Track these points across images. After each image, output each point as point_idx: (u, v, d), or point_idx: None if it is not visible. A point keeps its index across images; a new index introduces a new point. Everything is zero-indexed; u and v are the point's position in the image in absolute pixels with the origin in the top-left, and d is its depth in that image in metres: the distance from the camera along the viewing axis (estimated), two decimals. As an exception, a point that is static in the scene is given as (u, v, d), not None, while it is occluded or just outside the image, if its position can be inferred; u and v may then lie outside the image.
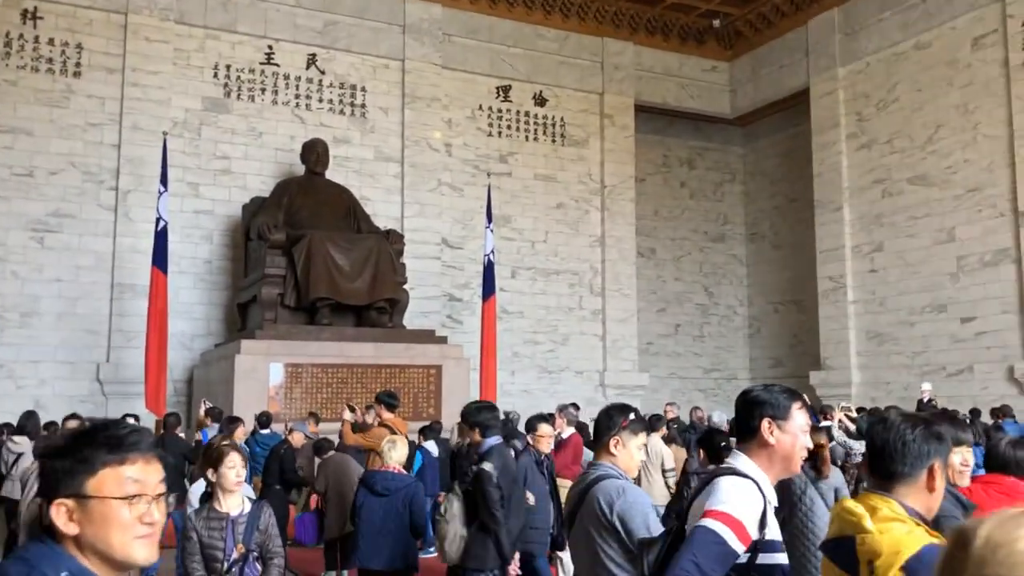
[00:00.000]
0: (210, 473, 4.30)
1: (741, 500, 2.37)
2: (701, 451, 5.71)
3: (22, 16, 13.82)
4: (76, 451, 1.60)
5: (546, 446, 6.69)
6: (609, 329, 17.90)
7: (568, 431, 8.52)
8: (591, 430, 10.35)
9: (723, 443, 5.42)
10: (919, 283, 15.40)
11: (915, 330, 15.42)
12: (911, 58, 15.75)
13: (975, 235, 14.56)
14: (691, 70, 19.44)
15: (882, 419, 2.33)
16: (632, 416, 3.38)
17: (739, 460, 2.52)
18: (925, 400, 12.64)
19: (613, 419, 3.37)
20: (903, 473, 2.20)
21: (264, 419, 10.16)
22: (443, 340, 13.54)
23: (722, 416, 9.17)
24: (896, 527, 2.09)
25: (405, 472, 6.14)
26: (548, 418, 7.08)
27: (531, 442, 6.68)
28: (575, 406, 10.56)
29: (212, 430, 9.12)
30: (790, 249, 19.74)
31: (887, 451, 2.23)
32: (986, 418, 11.38)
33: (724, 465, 2.57)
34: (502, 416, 6.89)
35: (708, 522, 2.34)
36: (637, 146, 18.75)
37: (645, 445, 3.62)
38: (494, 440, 5.39)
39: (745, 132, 21.09)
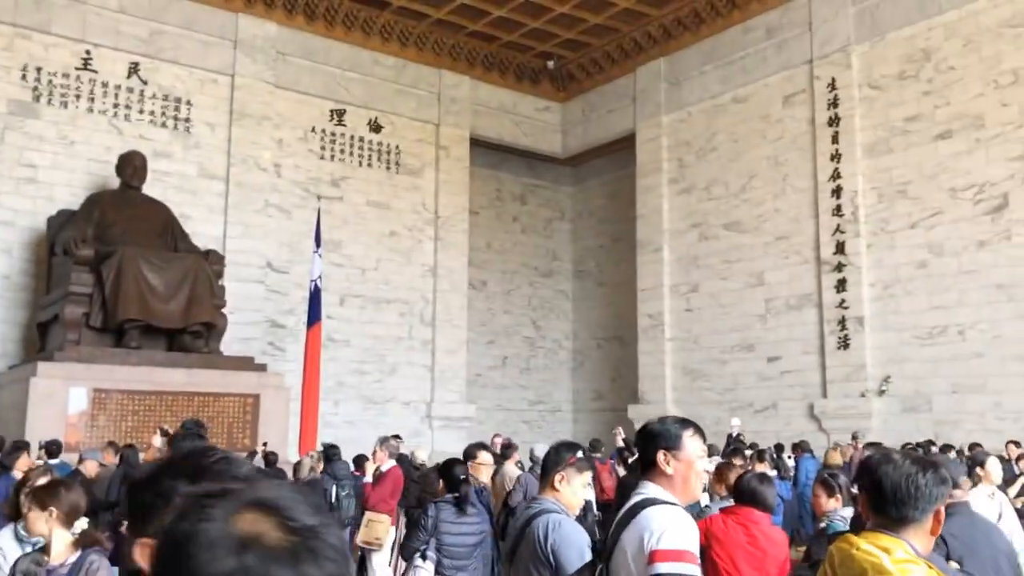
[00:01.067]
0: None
1: (682, 529, 2.45)
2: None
3: None
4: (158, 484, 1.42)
5: (485, 475, 6.21)
6: (438, 360, 17.83)
7: (388, 463, 8.28)
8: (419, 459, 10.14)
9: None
10: (730, 323, 16.23)
11: (726, 368, 16.21)
12: (729, 110, 16.71)
13: (782, 280, 15.51)
14: (525, 108, 19.85)
15: (888, 459, 2.33)
16: (579, 454, 3.46)
17: (650, 489, 2.60)
18: (734, 435, 13.25)
19: (560, 455, 3.45)
20: (913, 518, 2.23)
21: (54, 447, 9.32)
22: (262, 368, 13.05)
23: (544, 449, 9.23)
24: (915, 570, 2.12)
25: None
26: (486, 446, 6.64)
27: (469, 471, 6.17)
28: (397, 437, 10.39)
29: None
30: (614, 287, 20.39)
31: (898, 495, 2.23)
32: (789, 452, 12.06)
33: (640, 496, 2.60)
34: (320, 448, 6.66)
35: (667, 567, 2.36)
36: (472, 179, 18.91)
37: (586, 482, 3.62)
38: None
39: (575, 172, 21.72)
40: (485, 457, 6.24)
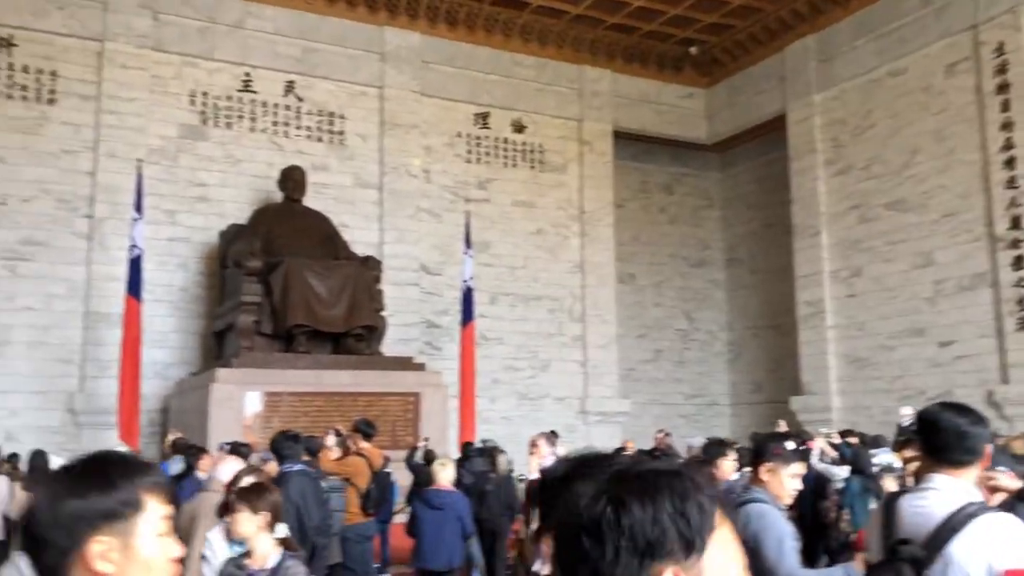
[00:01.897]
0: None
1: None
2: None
3: (-4, 43, 13.73)
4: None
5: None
6: (589, 355, 17.84)
7: (551, 459, 8.14)
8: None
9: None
10: (897, 307, 15.45)
11: (894, 354, 15.45)
12: (886, 84, 15.91)
13: (952, 259, 14.64)
14: (668, 97, 19.56)
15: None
16: (786, 445, 3.58)
17: (948, 484, 2.64)
18: (905, 424, 12.61)
19: (766, 447, 3.58)
20: None
21: (244, 450, 9.69)
22: (421, 367, 13.43)
23: (701, 443, 9.07)
24: None
25: (454, 489, 7.30)
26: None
27: None
28: (554, 434, 10.47)
29: (175, 462, 8.93)
30: (768, 274, 19.79)
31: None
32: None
33: (970, 504, 2.61)
34: (479, 444, 6.80)
35: None
36: (616, 172, 18.80)
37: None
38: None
39: (722, 158, 21.21)
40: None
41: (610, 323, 18.18)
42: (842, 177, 16.62)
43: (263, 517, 3.61)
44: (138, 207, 12.75)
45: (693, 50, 18.94)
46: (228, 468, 5.29)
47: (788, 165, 17.70)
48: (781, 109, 17.86)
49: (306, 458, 7.21)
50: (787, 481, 3.50)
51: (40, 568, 1.47)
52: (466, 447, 10.54)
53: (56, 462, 8.82)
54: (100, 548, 1.46)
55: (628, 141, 19.52)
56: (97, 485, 1.49)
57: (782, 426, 12.17)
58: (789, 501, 3.58)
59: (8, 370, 13.23)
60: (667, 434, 12.32)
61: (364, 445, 7.81)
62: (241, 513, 3.63)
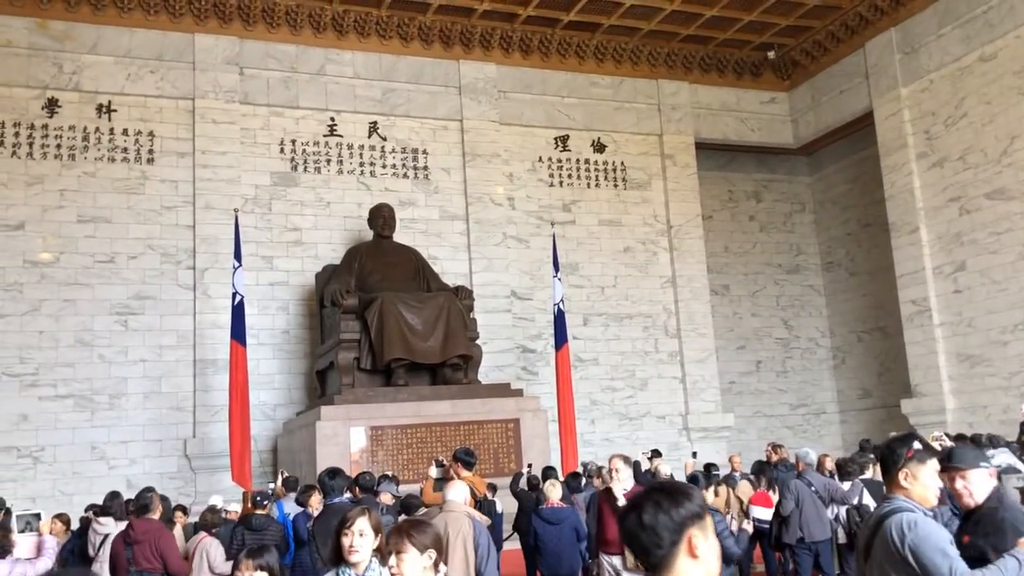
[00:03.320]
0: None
1: None
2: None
3: (98, 110, 14.50)
4: None
5: None
6: (688, 370, 17.61)
7: (632, 483, 7.10)
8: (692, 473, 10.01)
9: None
10: (1008, 300, 14.80)
11: (1008, 349, 14.77)
12: (976, 71, 15.36)
13: (1063, 246, 13.96)
14: (749, 103, 19.30)
15: None
16: (916, 445, 3.37)
17: None
18: (1028, 421, 12.02)
19: (896, 452, 3.36)
20: None
21: (366, 480, 9.44)
22: (519, 393, 13.48)
23: (814, 454, 8.83)
24: None
25: (565, 504, 8.15)
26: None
27: None
28: (656, 453, 10.39)
29: (288, 501, 9.15)
30: (868, 275, 19.24)
31: None
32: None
33: None
34: (580, 468, 6.76)
35: None
36: (701, 183, 18.61)
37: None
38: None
39: (810, 160, 20.77)
40: None
41: (707, 336, 17.93)
42: (937, 170, 16.07)
43: (432, 557, 3.28)
44: (237, 255, 13.22)
45: (771, 54, 18.67)
46: (458, 491, 5.81)
47: (879, 162, 17.21)
48: (868, 106, 17.40)
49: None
50: (929, 481, 3.31)
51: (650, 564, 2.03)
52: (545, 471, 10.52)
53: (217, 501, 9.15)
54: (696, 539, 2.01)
55: (711, 151, 19.31)
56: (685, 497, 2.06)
57: (894, 434, 11.72)
58: (935, 502, 3.38)
59: (126, 420, 13.85)
60: (779, 446, 11.98)
61: (466, 475, 7.86)
62: (407, 553, 3.26)
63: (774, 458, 10.95)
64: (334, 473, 6.96)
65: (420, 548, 3.27)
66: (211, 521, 7.85)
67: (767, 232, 20.51)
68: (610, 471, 6.94)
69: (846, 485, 8.29)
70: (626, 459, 6.94)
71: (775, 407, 19.70)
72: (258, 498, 7.86)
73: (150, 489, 7.46)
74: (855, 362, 19.79)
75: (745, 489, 9.44)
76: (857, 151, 19.07)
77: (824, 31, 17.87)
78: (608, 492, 6.93)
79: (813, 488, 8.06)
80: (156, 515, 7.18)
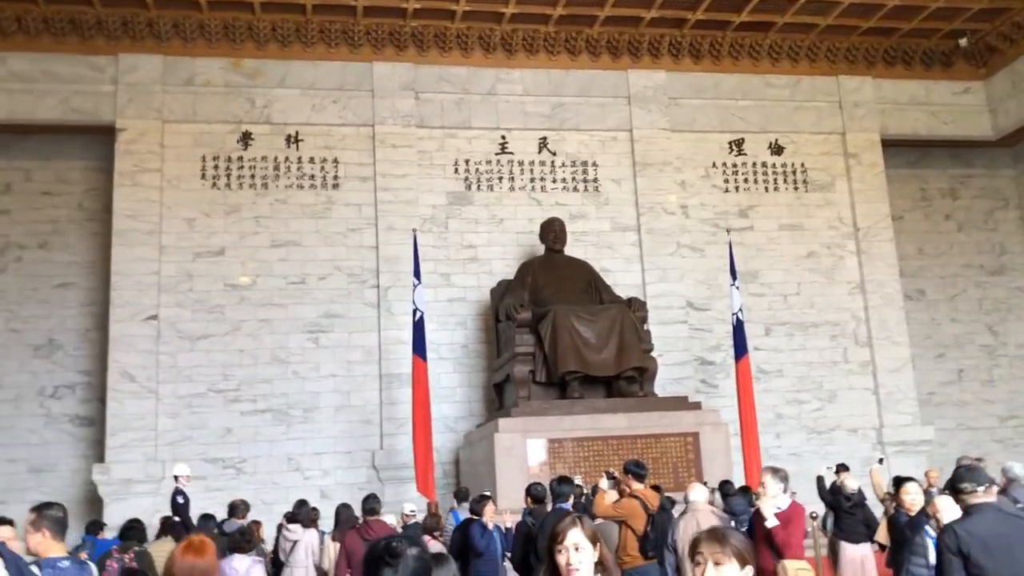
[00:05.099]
0: None
1: None
2: None
3: (286, 141, 15.44)
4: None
5: None
6: (881, 381, 16.61)
7: (785, 499, 6.60)
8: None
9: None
10: None
11: None
12: None
13: None
14: (941, 95, 18.05)
15: None
16: None
17: None
18: None
19: None
20: None
21: (538, 491, 9.46)
22: (697, 406, 13.15)
23: (1021, 467, 8.08)
24: None
25: None
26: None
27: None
28: (844, 467, 9.87)
29: (461, 511, 9.34)
30: (1087, 274, 17.50)
31: None
32: None
33: None
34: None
35: None
36: (889, 182, 17.56)
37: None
38: None
39: (1013, 152, 19.15)
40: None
41: (901, 345, 16.84)
42: None
43: (748, 571, 2.91)
44: (416, 273, 13.69)
45: (963, 42, 17.39)
46: (699, 492, 6.02)
47: (1095, 149, 15.65)
48: (1078, 88, 15.89)
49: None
50: None
51: None
52: (723, 485, 10.19)
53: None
54: None
55: (900, 148, 18.19)
56: None
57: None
58: None
59: (320, 433, 14.59)
60: (978, 459, 11.06)
61: (637, 487, 7.72)
62: (726, 565, 2.87)
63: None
64: (563, 480, 7.47)
65: (740, 561, 2.86)
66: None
67: (966, 232, 19.06)
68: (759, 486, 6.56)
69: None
70: (776, 472, 6.49)
71: (981, 419, 18.20)
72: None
73: (374, 496, 8.62)
74: (1074, 370, 18.02)
75: (946, 506, 8.74)
76: (1068, 139, 17.43)
77: (1023, 12, 16.49)
78: (758, 512, 6.57)
79: (1020, 505, 7.36)
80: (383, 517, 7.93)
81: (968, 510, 4.64)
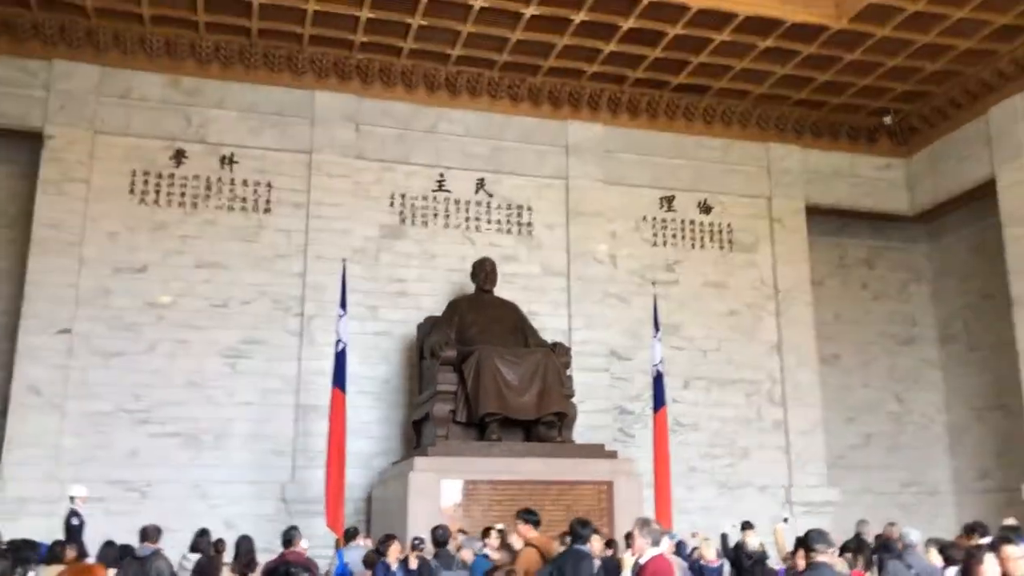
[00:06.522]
0: None
1: None
2: None
3: (221, 161, 15.26)
4: None
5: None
6: (792, 441, 17.00)
7: (651, 552, 6.44)
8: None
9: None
10: None
11: None
12: (1110, 139, 14.59)
13: None
14: (863, 169, 18.81)
15: None
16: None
17: None
18: None
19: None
20: None
21: (439, 535, 9.80)
22: (613, 455, 13.24)
23: (916, 534, 8.34)
24: None
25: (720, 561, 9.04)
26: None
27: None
28: (748, 524, 10.06)
29: (349, 551, 9.29)
30: (989, 350, 18.27)
31: None
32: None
33: None
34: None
35: None
36: (811, 248, 18.16)
37: None
38: None
39: (928, 229, 20.00)
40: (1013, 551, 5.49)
41: (814, 407, 17.30)
42: (1067, 241, 15.24)
43: None
44: (343, 304, 13.58)
45: (887, 120, 18.20)
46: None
47: (1002, 232, 16.44)
48: (990, 174, 16.72)
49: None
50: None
51: None
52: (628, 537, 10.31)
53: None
54: None
55: (823, 216, 18.84)
56: None
57: (1010, 520, 10.97)
58: None
59: (229, 461, 14.24)
60: (891, 524, 11.40)
61: (532, 535, 7.74)
62: None
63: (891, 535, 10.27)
64: (585, 523, 7.53)
65: None
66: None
67: (880, 301, 19.78)
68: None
69: (951, 571, 7.78)
70: (645, 525, 6.50)
71: (885, 483, 18.73)
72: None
73: (295, 528, 8.90)
74: (973, 441, 18.73)
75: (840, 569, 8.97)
76: (978, 220, 18.28)
77: (943, 97, 17.34)
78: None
79: (913, 571, 7.59)
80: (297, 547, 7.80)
81: (810, 566, 5.73)
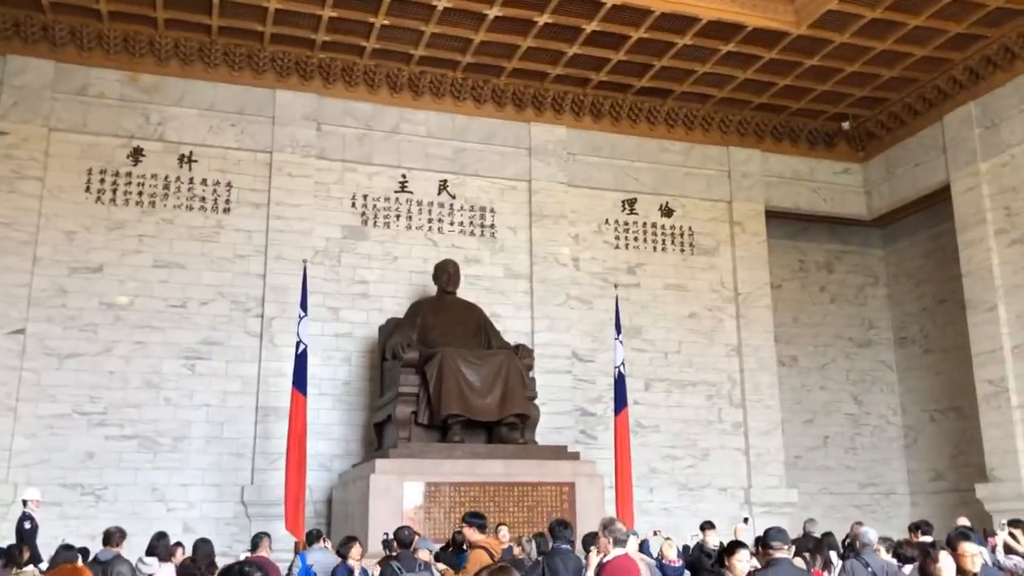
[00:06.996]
0: None
1: None
2: None
3: (179, 160, 15.05)
4: None
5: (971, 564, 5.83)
6: (752, 442, 17.18)
7: (615, 552, 6.48)
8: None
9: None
10: (1093, 384, 14.14)
11: (1093, 436, 14.06)
12: (1060, 147, 14.94)
13: None
14: (822, 173, 19.08)
15: None
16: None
17: None
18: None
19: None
20: None
21: (404, 535, 9.59)
22: (575, 456, 13.27)
23: (873, 534, 8.45)
24: None
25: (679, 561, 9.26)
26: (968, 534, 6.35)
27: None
28: (710, 525, 10.12)
29: (312, 552, 9.21)
30: (943, 353, 18.63)
31: None
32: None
33: None
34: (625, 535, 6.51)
35: None
36: (771, 252, 18.37)
37: None
38: None
39: (884, 233, 20.37)
40: (970, 548, 5.90)
41: (773, 408, 17.50)
42: (1018, 247, 15.58)
43: None
44: (304, 305, 13.44)
45: (846, 125, 18.49)
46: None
47: (956, 237, 16.77)
48: (944, 180, 17.05)
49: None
50: None
51: None
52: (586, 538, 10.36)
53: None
54: None
55: (782, 220, 19.09)
56: None
57: (963, 520, 11.18)
58: None
59: (188, 464, 14.04)
60: (859, 523, 11.53)
61: (479, 538, 7.77)
62: None
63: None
64: (564, 524, 7.71)
65: None
66: None
67: (838, 304, 20.08)
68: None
69: (906, 569, 7.91)
70: (608, 526, 6.53)
71: (842, 484, 19.04)
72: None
73: (265, 534, 9.00)
74: (927, 442, 19.08)
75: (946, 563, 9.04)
76: (933, 225, 18.65)
77: (900, 103, 17.65)
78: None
79: (870, 569, 7.70)
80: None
81: (769, 563, 5.90)
